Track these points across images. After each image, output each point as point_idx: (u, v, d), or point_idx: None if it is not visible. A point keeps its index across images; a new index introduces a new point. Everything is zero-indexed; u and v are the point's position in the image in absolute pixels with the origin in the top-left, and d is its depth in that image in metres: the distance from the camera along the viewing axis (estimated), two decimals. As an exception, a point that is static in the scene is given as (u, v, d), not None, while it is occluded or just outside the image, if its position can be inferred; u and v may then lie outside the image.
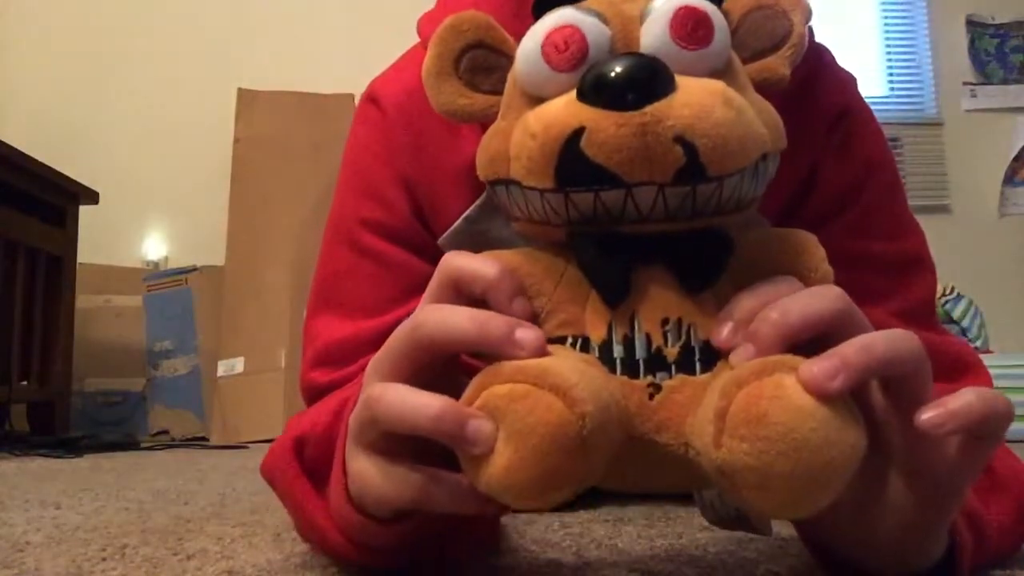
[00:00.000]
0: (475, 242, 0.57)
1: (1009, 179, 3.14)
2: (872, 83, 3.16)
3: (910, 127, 3.13)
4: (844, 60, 0.60)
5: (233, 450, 1.90)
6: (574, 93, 0.33)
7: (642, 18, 0.35)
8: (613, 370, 0.34)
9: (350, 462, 0.38)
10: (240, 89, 2.52)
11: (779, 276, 0.34)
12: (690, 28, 0.34)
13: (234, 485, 1.05)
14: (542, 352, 0.32)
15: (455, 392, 0.33)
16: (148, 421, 2.42)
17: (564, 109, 0.33)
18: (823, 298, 0.32)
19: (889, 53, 3.24)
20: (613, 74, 0.32)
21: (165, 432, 2.39)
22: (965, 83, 3.19)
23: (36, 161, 1.95)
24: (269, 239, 2.38)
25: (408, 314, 0.56)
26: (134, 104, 2.78)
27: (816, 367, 0.29)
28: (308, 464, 0.45)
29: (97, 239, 2.41)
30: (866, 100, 0.60)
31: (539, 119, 0.34)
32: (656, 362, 0.33)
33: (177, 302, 2.48)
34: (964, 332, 2.27)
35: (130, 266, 2.64)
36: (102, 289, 2.48)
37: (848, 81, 0.59)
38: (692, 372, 0.33)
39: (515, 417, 0.30)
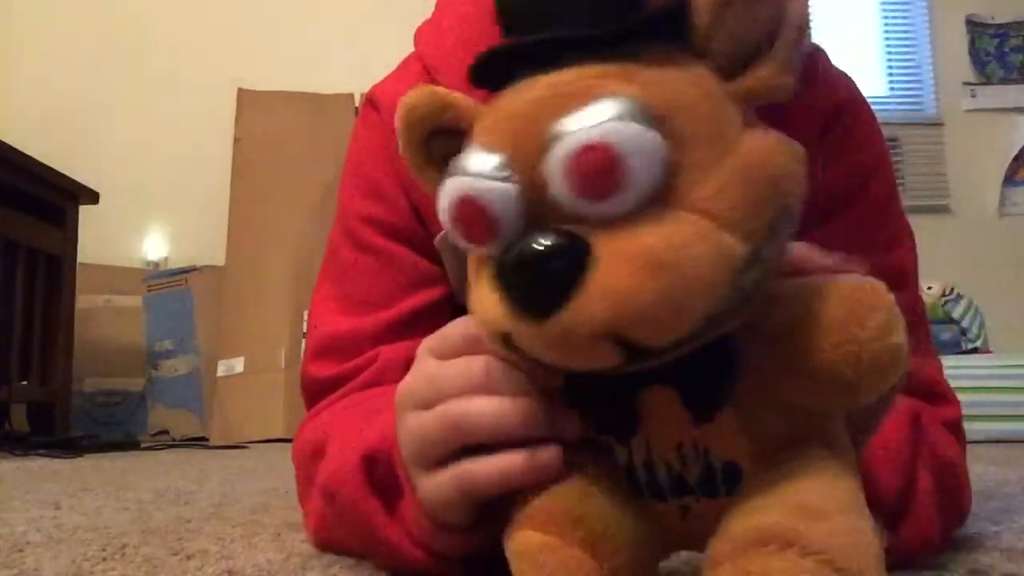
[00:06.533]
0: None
1: (1009, 179, 3.14)
2: (872, 83, 3.15)
3: (910, 127, 3.12)
4: (844, 60, 0.60)
5: (233, 450, 1.90)
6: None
7: (548, 146, 0.28)
8: (640, 492, 0.34)
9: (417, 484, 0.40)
10: (240, 89, 2.52)
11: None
12: (591, 182, 0.27)
13: (234, 485, 1.05)
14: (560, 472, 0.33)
15: None
16: (148, 421, 2.42)
17: (492, 309, 0.30)
18: None
19: (889, 53, 3.24)
20: (517, 277, 0.29)
21: (165, 432, 2.39)
22: (965, 83, 3.19)
23: (36, 161, 1.95)
24: (269, 239, 2.38)
25: (410, 310, 0.58)
26: (134, 104, 2.78)
27: None
28: (377, 482, 0.44)
29: (97, 239, 2.41)
30: (867, 100, 0.59)
31: (480, 315, 0.32)
32: (680, 486, 0.33)
33: (177, 302, 2.48)
34: (964, 332, 2.27)
35: (130, 266, 2.64)
36: (102, 289, 2.48)
37: (841, 83, 0.58)
38: (716, 494, 0.33)
39: (548, 570, 0.31)
